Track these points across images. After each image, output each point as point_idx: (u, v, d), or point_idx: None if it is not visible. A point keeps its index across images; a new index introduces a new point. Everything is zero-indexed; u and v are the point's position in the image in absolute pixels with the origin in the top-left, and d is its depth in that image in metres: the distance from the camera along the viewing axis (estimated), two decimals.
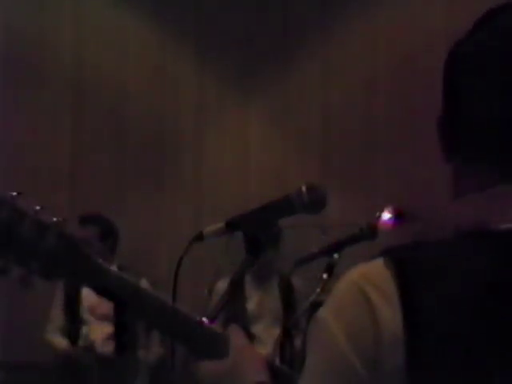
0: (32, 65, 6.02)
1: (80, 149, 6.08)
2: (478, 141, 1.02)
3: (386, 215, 3.29)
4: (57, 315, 4.86)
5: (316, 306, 3.34)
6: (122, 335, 4.77)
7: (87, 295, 4.75)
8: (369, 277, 0.95)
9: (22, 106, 5.97)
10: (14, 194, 1.15)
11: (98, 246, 4.80)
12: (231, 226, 1.66)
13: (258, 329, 4.62)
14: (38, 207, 1.16)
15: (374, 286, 0.94)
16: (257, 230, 1.62)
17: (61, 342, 4.79)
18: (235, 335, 1.32)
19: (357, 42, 6.06)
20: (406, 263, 0.94)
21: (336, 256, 3.18)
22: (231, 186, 6.26)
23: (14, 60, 5.98)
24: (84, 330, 4.80)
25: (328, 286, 3.21)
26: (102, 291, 1.24)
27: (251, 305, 4.69)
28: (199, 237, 1.71)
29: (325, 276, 3.20)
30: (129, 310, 1.26)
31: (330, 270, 3.19)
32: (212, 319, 1.48)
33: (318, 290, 3.22)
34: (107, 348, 4.77)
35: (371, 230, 3.22)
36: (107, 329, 4.78)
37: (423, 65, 5.62)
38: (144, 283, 4.85)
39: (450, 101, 1.06)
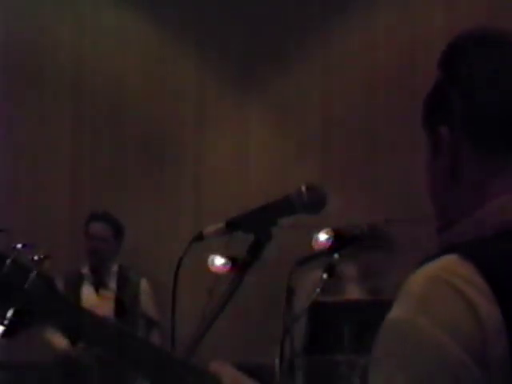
0: (32, 65, 6.02)
1: (80, 149, 6.08)
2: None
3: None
4: None
5: (316, 305, 3.34)
6: None
7: (87, 295, 4.75)
8: (454, 271, 0.92)
9: (22, 106, 5.96)
10: None
11: (114, 244, 4.80)
12: (231, 225, 1.66)
13: None
14: (19, 245, 1.15)
15: (464, 279, 0.91)
16: (257, 230, 1.62)
17: (61, 342, 4.78)
18: (225, 371, 1.29)
19: (357, 42, 6.06)
20: (486, 258, 0.94)
21: (336, 256, 3.18)
22: (231, 186, 6.25)
23: (13, 60, 5.98)
24: None
25: (328, 285, 3.21)
26: (74, 332, 1.23)
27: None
28: (199, 237, 1.71)
29: (325, 276, 3.20)
30: (106, 351, 1.25)
31: (329, 270, 3.19)
32: (217, 313, 1.48)
33: (318, 289, 3.22)
34: None
35: (371, 231, 3.23)
36: None
37: (423, 65, 5.62)
38: (144, 283, 4.85)
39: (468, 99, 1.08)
